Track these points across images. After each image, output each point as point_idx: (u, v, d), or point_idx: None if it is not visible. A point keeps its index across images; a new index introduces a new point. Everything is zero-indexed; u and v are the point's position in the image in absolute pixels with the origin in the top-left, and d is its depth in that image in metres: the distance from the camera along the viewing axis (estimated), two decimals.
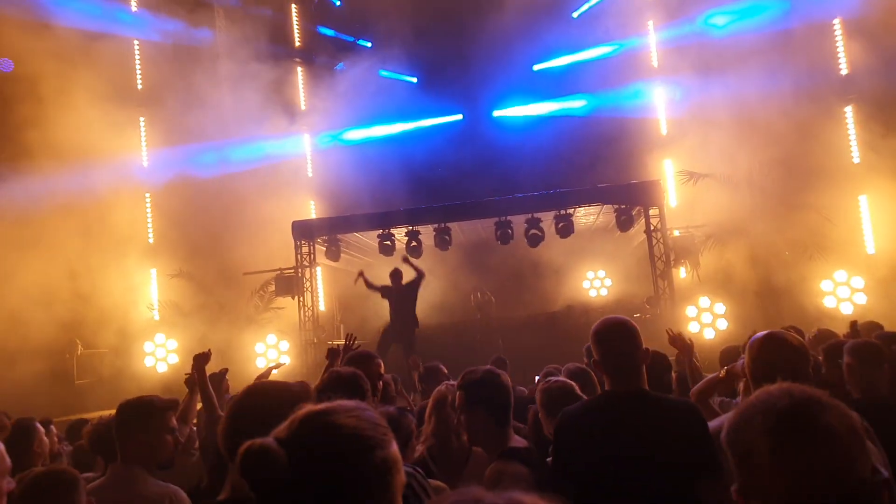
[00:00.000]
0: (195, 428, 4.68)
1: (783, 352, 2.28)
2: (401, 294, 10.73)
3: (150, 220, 14.37)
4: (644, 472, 2.19)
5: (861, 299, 11.12)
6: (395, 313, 10.72)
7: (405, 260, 10.98)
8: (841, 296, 11.31)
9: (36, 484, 2.37)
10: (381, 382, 3.29)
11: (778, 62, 11.79)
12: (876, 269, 11.36)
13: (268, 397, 1.82)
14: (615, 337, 2.52)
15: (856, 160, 12.68)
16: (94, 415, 5.79)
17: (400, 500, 1.19)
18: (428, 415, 3.40)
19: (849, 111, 12.81)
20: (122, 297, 12.88)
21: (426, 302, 15.20)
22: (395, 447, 1.21)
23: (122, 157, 13.24)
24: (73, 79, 11.82)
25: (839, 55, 13.03)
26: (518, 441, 2.86)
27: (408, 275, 10.79)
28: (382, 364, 3.41)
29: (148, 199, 14.39)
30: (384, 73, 15.04)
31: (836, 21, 13.01)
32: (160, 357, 12.85)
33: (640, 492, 2.17)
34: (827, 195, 11.72)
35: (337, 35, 15.10)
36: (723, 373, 2.99)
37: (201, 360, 4.43)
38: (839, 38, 13.07)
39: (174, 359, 12.71)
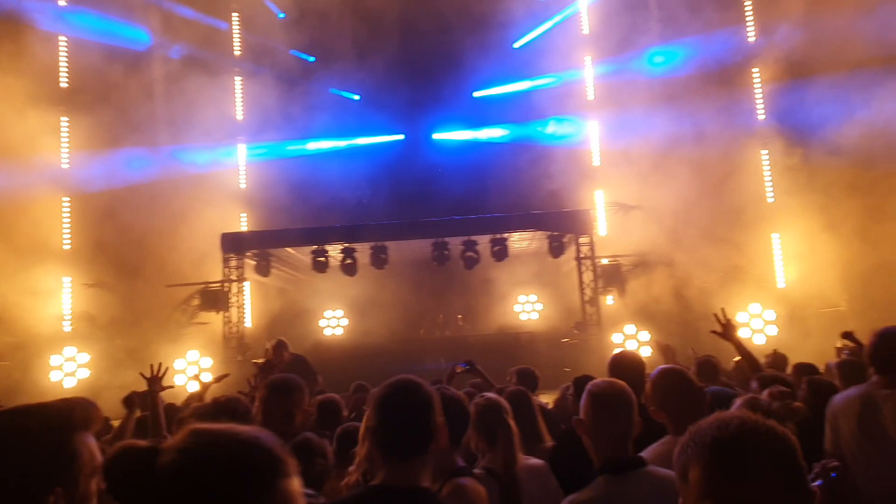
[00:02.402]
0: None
1: None
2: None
3: (67, 225, 13.57)
4: None
5: (772, 331, 11.74)
6: None
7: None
8: (755, 327, 11.91)
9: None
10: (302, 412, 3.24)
11: (705, 102, 12.47)
12: (786, 303, 12.05)
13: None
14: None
15: (770, 199, 13.51)
16: None
17: None
18: (361, 438, 3.27)
19: (765, 154, 13.66)
20: (28, 306, 12.06)
21: (362, 321, 15.04)
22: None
23: (39, 158, 12.50)
24: None
25: (758, 101, 13.92)
26: (460, 460, 2.82)
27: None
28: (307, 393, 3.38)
29: (66, 204, 13.62)
30: (330, 89, 14.92)
31: (756, 69, 13.91)
32: (69, 371, 12.05)
33: None
34: (745, 231, 12.45)
35: (279, 47, 14.90)
36: None
37: (156, 383, 4.14)
38: (758, 84, 13.96)
39: (84, 373, 11.96)
